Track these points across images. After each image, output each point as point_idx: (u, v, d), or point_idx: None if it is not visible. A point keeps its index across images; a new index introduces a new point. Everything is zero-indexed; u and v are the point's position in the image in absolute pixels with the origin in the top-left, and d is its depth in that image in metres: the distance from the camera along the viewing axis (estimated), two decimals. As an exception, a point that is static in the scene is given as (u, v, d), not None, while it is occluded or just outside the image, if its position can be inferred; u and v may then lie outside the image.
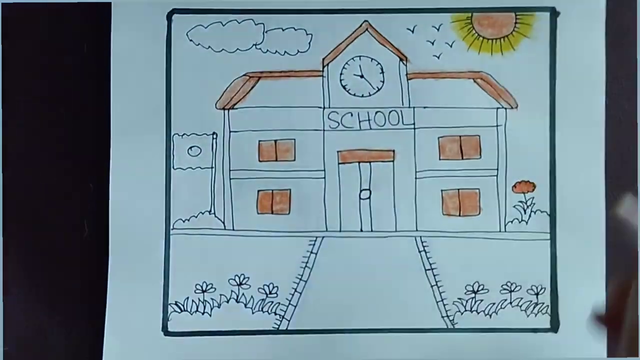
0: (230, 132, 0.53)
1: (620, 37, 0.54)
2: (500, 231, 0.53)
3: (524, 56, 0.53)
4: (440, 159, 0.54)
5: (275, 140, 0.53)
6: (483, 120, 0.54)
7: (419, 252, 0.53)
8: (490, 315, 0.53)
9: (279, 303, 0.53)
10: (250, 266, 0.53)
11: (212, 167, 0.53)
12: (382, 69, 0.54)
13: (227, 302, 0.53)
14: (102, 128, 0.53)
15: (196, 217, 0.53)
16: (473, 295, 0.53)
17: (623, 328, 0.36)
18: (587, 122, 0.53)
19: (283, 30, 0.53)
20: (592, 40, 0.53)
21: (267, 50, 0.53)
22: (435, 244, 0.53)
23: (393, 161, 0.54)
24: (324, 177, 0.54)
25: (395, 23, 0.53)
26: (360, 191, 0.54)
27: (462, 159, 0.54)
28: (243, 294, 0.53)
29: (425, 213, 0.53)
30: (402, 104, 0.54)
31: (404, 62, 0.54)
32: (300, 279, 0.53)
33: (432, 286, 0.53)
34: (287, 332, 0.53)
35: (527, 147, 0.53)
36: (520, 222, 0.53)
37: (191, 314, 0.53)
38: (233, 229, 0.53)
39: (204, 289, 0.53)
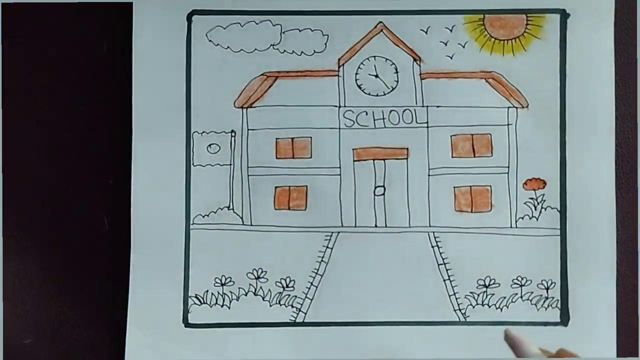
0: (248, 130, 0.55)
1: (624, 38, 0.55)
2: (511, 227, 0.55)
3: (534, 57, 0.55)
4: (452, 157, 0.55)
5: (292, 138, 0.55)
6: (494, 119, 0.55)
7: (432, 247, 0.54)
8: (502, 309, 0.54)
9: (296, 296, 0.54)
10: (268, 260, 0.54)
11: (230, 164, 0.55)
12: (396, 68, 0.55)
13: (246, 295, 0.54)
14: (120, 126, 0.54)
15: (215, 212, 0.54)
16: (485, 289, 0.54)
17: None
18: (597, 121, 0.54)
19: (300, 31, 0.55)
20: (601, 41, 0.54)
21: (285, 50, 0.55)
22: (447, 239, 0.54)
23: (407, 159, 0.55)
24: (340, 174, 0.55)
25: (409, 24, 0.55)
26: (375, 188, 0.55)
27: (474, 156, 0.55)
28: (261, 287, 0.54)
29: (438, 209, 0.55)
30: (416, 103, 0.55)
31: (418, 62, 0.55)
32: (317, 273, 0.54)
33: (444, 280, 0.54)
34: (303, 324, 0.54)
35: (537, 145, 0.55)
36: (531, 219, 0.54)
37: (211, 307, 0.54)
38: (251, 224, 0.55)
39: (223, 282, 0.54)
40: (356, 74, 0.55)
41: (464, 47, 0.55)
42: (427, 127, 0.55)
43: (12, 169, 0.55)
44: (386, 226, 0.55)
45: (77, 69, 0.55)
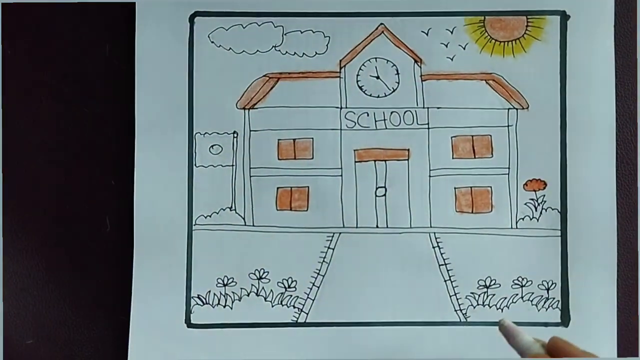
0: (250, 131, 0.55)
1: (624, 39, 0.55)
2: (512, 228, 0.55)
3: (535, 58, 0.55)
4: (453, 158, 0.55)
5: (294, 139, 0.55)
6: (495, 121, 0.55)
7: (433, 247, 0.55)
8: (502, 310, 0.55)
9: (298, 296, 0.55)
10: (270, 261, 0.55)
11: (232, 165, 0.55)
12: (397, 70, 0.55)
13: (248, 295, 0.55)
14: (122, 126, 0.55)
15: (217, 213, 0.55)
16: (485, 289, 0.55)
17: None
18: (598, 122, 0.55)
19: (301, 32, 0.55)
20: (601, 42, 0.55)
21: (286, 51, 0.55)
22: (448, 240, 0.55)
23: (408, 160, 0.55)
24: (341, 175, 0.55)
25: (410, 26, 0.55)
26: (376, 189, 0.55)
27: (475, 157, 0.55)
28: (263, 287, 0.55)
29: (439, 210, 0.55)
30: (417, 105, 0.55)
31: (419, 63, 0.55)
32: (318, 274, 0.54)
33: (445, 281, 0.55)
34: (305, 324, 0.54)
35: (538, 146, 0.55)
36: (531, 219, 0.55)
37: (213, 307, 0.54)
38: (253, 225, 0.55)
39: (225, 282, 0.55)
40: (357, 75, 0.55)
41: (464, 48, 0.55)
42: (428, 128, 0.55)
43: (13, 169, 0.55)
44: (387, 227, 0.55)
45: (79, 69, 0.55)
